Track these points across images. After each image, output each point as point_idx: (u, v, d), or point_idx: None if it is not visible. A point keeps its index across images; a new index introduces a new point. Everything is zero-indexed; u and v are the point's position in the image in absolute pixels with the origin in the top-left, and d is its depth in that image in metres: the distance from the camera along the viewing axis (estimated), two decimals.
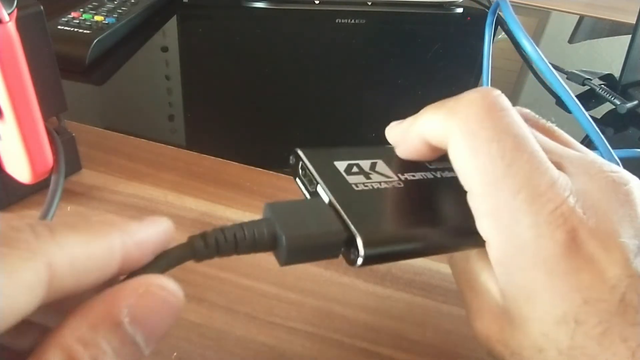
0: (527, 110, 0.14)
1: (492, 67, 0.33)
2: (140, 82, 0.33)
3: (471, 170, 0.12)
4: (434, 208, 0.13)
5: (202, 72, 0.34)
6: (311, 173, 0.13)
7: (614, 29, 0.44)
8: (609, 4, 0.45)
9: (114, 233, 0.09)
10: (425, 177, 0.14)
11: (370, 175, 0.13)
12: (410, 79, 0.34)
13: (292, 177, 0.15)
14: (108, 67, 0.33)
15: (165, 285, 0.09)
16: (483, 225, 0.12)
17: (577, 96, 0.24)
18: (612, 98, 0.33)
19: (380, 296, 0.19)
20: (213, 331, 0.17)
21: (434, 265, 0.21)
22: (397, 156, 0.14)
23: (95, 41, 0.32)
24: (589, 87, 0.34)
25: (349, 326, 0.18)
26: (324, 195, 0.13)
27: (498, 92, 0.13)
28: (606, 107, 0.34)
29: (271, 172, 0.24)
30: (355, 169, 0.13)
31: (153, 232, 0.10)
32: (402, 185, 0.13)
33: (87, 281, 0.09)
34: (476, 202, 0.12)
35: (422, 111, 0.14)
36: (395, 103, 0.31)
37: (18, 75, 0.17)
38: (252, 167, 0.25)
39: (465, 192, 0.13)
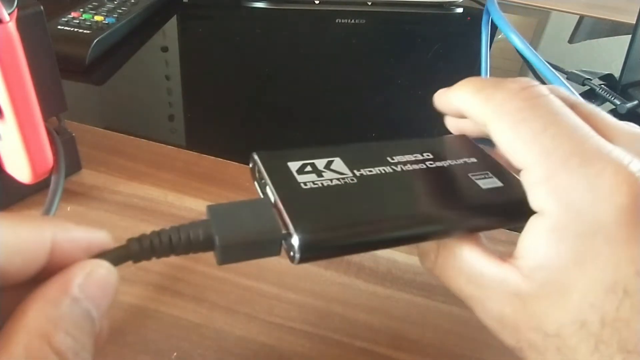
0: (562, 91, 0.14)
1: (492, 67, 0.33)
2: (140, 82, 0.33)
3: (516, 147, 0.12)
4: (385, 201, 0.13)
5: (202, 72, 0.34)
6: (262, 175, 0.13)
7: (614, 29, 0.44)
8: (609, 4, 0.45)
9: (45, 224, 0.10)
10: (382, 172, 0.14)
11: (323, 174, 0.13)
12: (410, 79, 0.34)
13: None
14: (108, 67, 0.33)
15: (105, 266, 0.10)
16: (537, 196, 0.12)
17: None
18: (612, 98, 0.33)
19: (380, 296, 0.19)
20: (213, 331, 0.17)
21: None
22: (357, 153, 0.14)
23: (95, 41, 0.32)
24: (589, 87, 0.34)
25: (349, 326, 0.18)
26: (271, 195, 0.13)
27: (536, 82, 0.13)
28: (606, 107, 0.34)
29: None
30: (308, 169, 0.13)
31: (88, 235, 0.11)
32: (355, 180, 0.13)
33: (18, 262, 0.10)
34: (528, 176, 0.12)
35: (462, 85, 0.14)
36: (395, 103, 0.31)
37: (18, 75, 0.17)
38: None
39: (421, 185, 0.13)
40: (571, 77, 0.35)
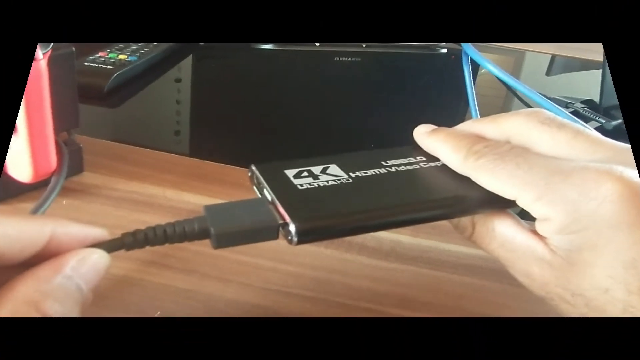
0: (547, 113, 0.15)
1: (479, 96, 0.35)
2: (152, 107, 0.35)
3: (500, 187, 0.13)
4: (381, 192, 0.13)
5: (213, 105, 0.36)
6: (260, 180, 0.14)
7: (585, 65, 0.48)
8: (576, 45, 0.50)
9: (47, 220, 0.12)
10: (377, 173, 0.14)
11: (319, 177, 0.14)
12: (402, 110, 0.37)
13: None
14: (124, 94, 0.35)
15: (98, 252, 0.12)
16: (536, 211, 0.13)
17: None
18: (597, 117, 0.35)
19: (385, 268, 0.18)
20: (202, 295, 0.16)
21: (441, 245, 0.20)
22: (352, 159, 0.15)
23: (115, 75, 0.35)
24: (572, 110, 0.36)
25: (352, 292, 0.16)
26: (268, 195, 0.13)
27: (498, 139, 0.14)
28: (592, 126, 0.35)
29: None
30: (305, 174, 0.14)
31: (85, 230, 0.12)
32: (351, 180, 0.14)
33: (16, 249, 0.11)
34: (521, 201, 0.13)
35: (439, 142, 0.15)
36: (389, 131, 0.33)
37: (39, 106, 0.18)
38: None
39: (415, 180, 0.14)
40: (554, 102, 0.37)
